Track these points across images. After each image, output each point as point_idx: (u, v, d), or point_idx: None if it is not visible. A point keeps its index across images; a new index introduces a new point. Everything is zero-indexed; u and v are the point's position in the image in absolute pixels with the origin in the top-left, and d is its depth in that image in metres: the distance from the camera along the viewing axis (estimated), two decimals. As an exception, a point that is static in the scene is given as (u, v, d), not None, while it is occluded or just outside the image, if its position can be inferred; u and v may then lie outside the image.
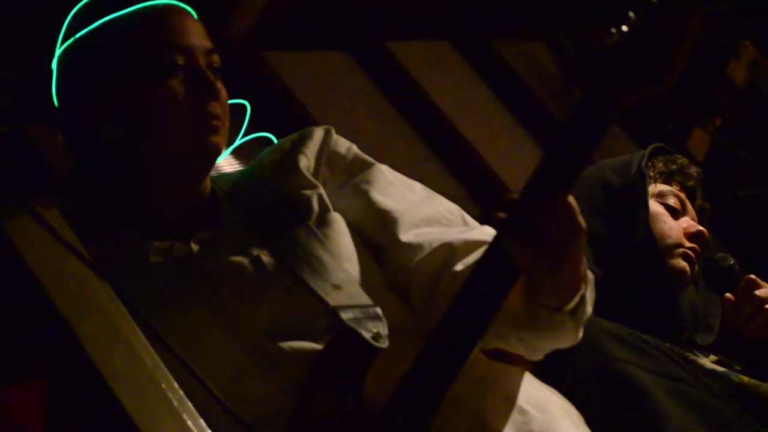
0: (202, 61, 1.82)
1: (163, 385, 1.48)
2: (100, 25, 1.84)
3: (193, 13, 1.89)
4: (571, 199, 1.51)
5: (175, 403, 1.47)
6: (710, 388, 2.32)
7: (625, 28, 1.46)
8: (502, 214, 1.50)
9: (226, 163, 2.97)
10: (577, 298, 1.63)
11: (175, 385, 1.50)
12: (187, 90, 1.79)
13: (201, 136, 1.80)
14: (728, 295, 2.49)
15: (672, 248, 2.53)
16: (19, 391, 1.61)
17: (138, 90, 1.79)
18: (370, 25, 4.31)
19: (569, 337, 1.70)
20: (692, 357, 2.41)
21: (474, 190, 4.11)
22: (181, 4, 1.88)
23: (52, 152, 1.86)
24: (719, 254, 2.62)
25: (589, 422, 1.91)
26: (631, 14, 1.45)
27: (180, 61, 1.80)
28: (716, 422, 2.26)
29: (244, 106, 2.49)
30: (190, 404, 1.49)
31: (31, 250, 1.56)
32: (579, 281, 1.61)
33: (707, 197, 2.70)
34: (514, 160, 4.41)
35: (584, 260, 1.59)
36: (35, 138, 1.81)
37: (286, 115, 3.63)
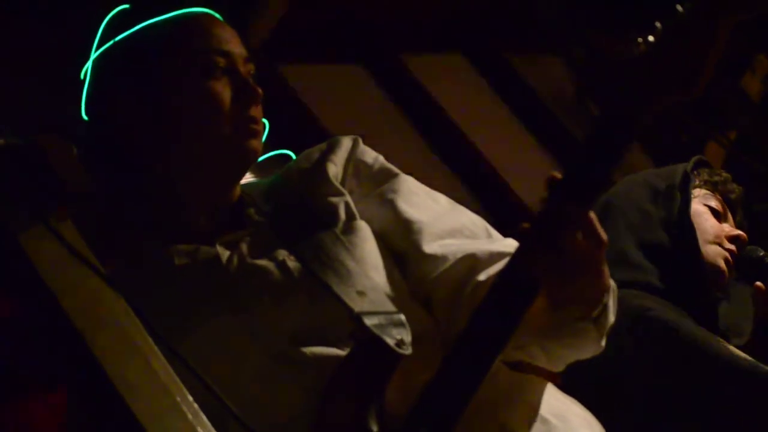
0: (242, 68, 1.85)
1: (178, 398, 1.48)
2: (140, 29, 1.87)
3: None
4: (592, 214, 1.51)
5: (190, 416, 1.47)
6: None
7: (651, 38, 1.45)
8: (526, 224, 1.50)
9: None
10: (600, 307, 1.63)
11: (190, 398, 1.49)
12: (229, 93, 1.83)
13: (242, 139, 1.83)
14: (758, 283, 2.55)
15: (711, 244, 2.61)
16: (39, 403, 1.60)
17: (182, 91, 1.83)
18: (384, 39, 4.31)
19: (592, 346, 1.71)
20: (723, 341, 2.48)
21: (486, 202, 4.11)
22: (217, 15, 1.92)
23: (66, 164, 1.86)
24: (749, 246, 2.69)
25: (627, 380, 1.93)
26: (657, 24, 1.45)
27: (223, 65, 1.84)
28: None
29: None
30: (204, 417, 1.49)
31: (45, 262, 1.56)
32: (602, 290, 1.62)
33: (745, 218, 2.79)
34: (527, 172, 4.41)
35: (607, 269, 1.59)
36: (48, 150, 1.81)
37: (300, 128, 3.63)
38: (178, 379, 1.51)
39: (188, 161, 1.84)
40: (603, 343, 1.71)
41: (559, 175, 1.49)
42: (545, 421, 1.79)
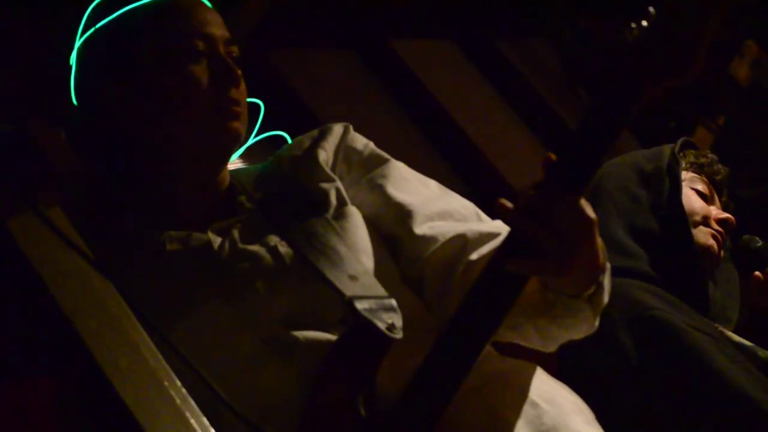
0: (222, 50, 1.86)
1: (166, 383, 1.48)
2: (123, 14, 1.87)
3: (210, 6, 1.92)
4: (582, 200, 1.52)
5: (178, 401, 1.47)
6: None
7: (644, 23, 1.46)
8: (509, 205, 1.51)
9: (231, 165, 2.96)
10: (594, 286, 1.64)
11: (178, 383, 1.49)
12: (209, 76, 1.83)
13: (222, 122, 1.83)
14: (757, 273, 2.56)
15: (700, 224, 2.61)
16: (29, 388, 1.61)
17: (162, 75, 1.83)
18: (374, 24, 4.31)
19: (586, 326, 1.71)
20: (721, 328, 2.47)
21: (476, 187, 4.12)
22: None
23: (55, 150, 1.87)
24: (745, 236, 2.70)
25: (625, 374, 1.93)
26: (651, 9, 1.45)
27: (202, 48, 1.84)
28: (750, 372, 2.32)
29: (257, 105, 2.51)
30: (192, 402, 1.49)
31: (34, 248, 1.56)
32: (596, 269, 1.62)
33: (731, 196, 2.77)
34: (517, 157, 4.42)
35: (602, 249, 1.60)
36: (38, 135, 1.81)
37: (290, 113, 3.64)
38: (166, 365, 1.51)
39: (171, 145, 1.84)
40: (597, 323, 1.72)
41: (554, 157, 1.50)
42: (535, 405, 1.79)
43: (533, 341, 1.77)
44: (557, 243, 1.49)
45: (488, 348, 1.74)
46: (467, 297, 1.56)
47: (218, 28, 1.87)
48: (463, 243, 1.79)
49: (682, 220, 2.57)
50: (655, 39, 1.45)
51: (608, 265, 1.67)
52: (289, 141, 2.25)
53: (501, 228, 1.79)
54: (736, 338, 2.46)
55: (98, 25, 1.88)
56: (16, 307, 1.59)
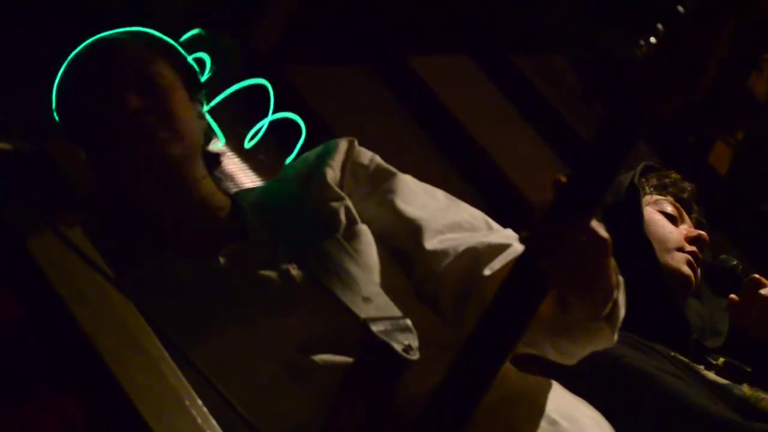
0: (133, 80, 1.87)
1: (187, 402, 1.48)
2: (64, 69, 1.94)
3: (127, 34, 1.93)
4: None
5: (199, 420, 1.47)
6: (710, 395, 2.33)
7: (653, 39, 1.45)
8: (525, 233, 1.51)
9: (248, 179, 2.97)
10: (611, 304, 1.64)
11: (199, 401, 1.50)
12: (119, 126, 1.85)
13: (145, 150, 1.84)
14: (733, 296, 2.49)
15: (673, 252, 2.54)
16: (48, 407, 1.61)
17: (87, 140, 1.85)
18: (391, 40, 4.32)
19: (605, 341, 1.71)
20: (697, 368, 2.42)
21: (494, 202, 4.11)
22: (106, 35, 1.93)
23: (75, 169, 1.87)
24: (722, 256, 2.63)
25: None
26: (659, 26, 1.45)
27: (105, 103, 1.86)
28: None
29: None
30: (213, 421, 1.49)
31: (53, 266, 1.56)
32: (611, 289, 1.62)
33: (702, 213, 2.71)
34: (533, 171, 4.41)
35: (614, 267, 1.59)
36: (57, 155, 1.82)
37: (308, 130, 3.64)
38: (186, 383, 1.51)
39: (130, 183, 1.87)
40: (616, 336, 1.72)
41: (563, 179, 1.50)
42: (554, 422, 1.79)
43: (551, 355, 1.78)
44: (574, 266, 1.49)
45: (505, 364, 1.74)
46: (484, 315, 1.56)
47: (118, 73, 1.88)
48: (473, 257, 1.79)
49: (648, 252, 2.50)
50: (663, 55, 1.45)
51: (621, 279, 1.67)
52: (301, 124, 2.25)
53: (511, 238, 1.80)
54: (711, 377, 2.41)
55: (52, 96, 1.94)
56: (37, 324, 1.59)
